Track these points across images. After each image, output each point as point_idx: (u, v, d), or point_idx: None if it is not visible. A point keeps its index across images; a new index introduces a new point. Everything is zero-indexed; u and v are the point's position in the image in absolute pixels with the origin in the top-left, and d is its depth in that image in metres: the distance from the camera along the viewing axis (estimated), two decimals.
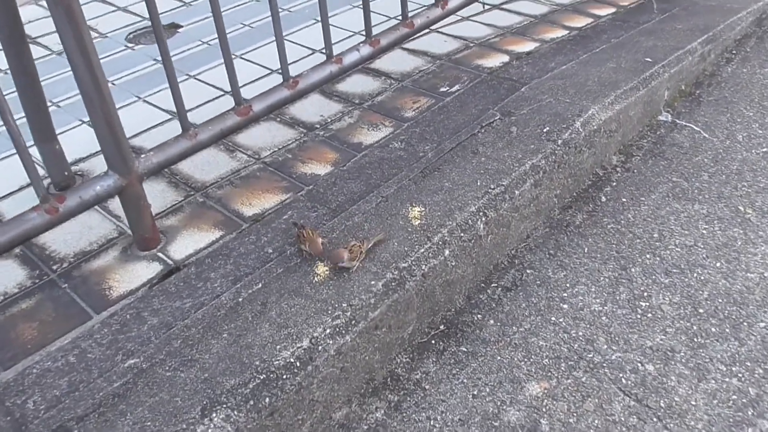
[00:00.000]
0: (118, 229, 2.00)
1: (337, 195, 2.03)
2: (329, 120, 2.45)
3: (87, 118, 2.50)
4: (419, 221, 1.88)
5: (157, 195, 2.11)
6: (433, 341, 1.86)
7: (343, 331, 1.62)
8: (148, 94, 2.69)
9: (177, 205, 2.08)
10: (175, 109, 1.88)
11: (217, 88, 2.70)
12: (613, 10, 3.24)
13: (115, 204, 2.08)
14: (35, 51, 3.09)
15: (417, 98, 2.53)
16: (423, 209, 1.92)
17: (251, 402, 1.46)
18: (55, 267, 1.88)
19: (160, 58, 2.78)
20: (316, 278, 1.73)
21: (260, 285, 1.72)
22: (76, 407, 1.45)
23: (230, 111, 1.98)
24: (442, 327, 1.89)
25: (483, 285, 2.01)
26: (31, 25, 3.37)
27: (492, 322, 1.90)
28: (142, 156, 1.81)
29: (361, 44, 2.26)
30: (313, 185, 2.10)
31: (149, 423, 1.41)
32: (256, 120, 2.05)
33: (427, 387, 1.73)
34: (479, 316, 1.92)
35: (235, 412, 1.44)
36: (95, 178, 1.74)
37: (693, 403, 1.67)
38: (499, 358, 1.79)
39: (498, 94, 2.49)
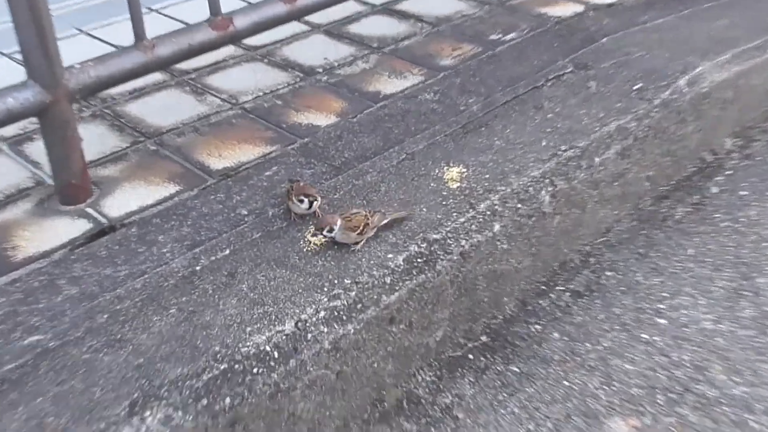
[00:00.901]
0: (35, 177, 1.96)
1: (343, 150, 2.00)
2: (336, 64, 2.46)
3: (7, 50, 2.49)
4: (458, 184, 1.83)
5: (95, 139, 2.08)
6: (470, 356, 1.77)
7: (344, 317, 1.52)
8: (92, 26, 2.72)
9: (120, 152, 2.05)
10: (124, 44, 1.87)
11: (184, 22, 2.68)
12: None
13: (34, 147, 2.05)
14: None
15: (458, 45, 2.55)
16: (464, 170, 1.88)
17: (204, 401, 1.35)
18: None
19: None
20: (308, 246, 1.66)
21: (228, 251, 1.66)
22: None
23: (203, 23, 1.95)
24: (484, 338, 1.81)
25: (544, 287, 1.95)
26: None
27: (556, 335, 1.82)
28: (77, 66, 1.76)
29: None
30: (310, 138, 2.07)
31: (51, 418, 1.30)
32: (236, 40, 2.02)
33: (460, 416, 1.63)
34: (538, 326, 1.84)
35: (179, 413, 1.32)
36: (8, 88, 1.67)
37: None
38: (566, 383, 1.70)
39: (570, 45, 2.50)
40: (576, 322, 1.85)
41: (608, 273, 1.99)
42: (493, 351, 1.78)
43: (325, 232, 1.63)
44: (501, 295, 1.86)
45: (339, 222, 1.63)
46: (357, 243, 1.65)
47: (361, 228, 1.64)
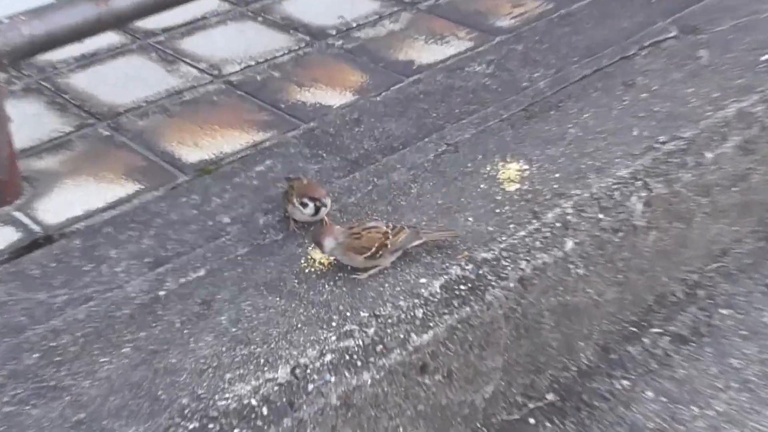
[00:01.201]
0: None
1: (362, 139, 2.02)
2: (354, 24, 2.50)
3: None
4: (518, 186, 1.85)
5: (29, 120, 2.12)
6: (531, 420, 1.78)
7: (358, 363, 1.52)
8: None
9: (61, 138, 2.09)
10: None
11: None
12: None
13: None
14: None
15: (519, 0, 2.58)
16: (526, 167, 1.90)
17: None
18: None
19: None
20: (311, 265, 1.67)
21: (203, 272, 1.67)
22: None
23: None
24: (551, 396, 1.83)
25: (635, 328, 1.96)
26: None
27: (650, 394, 1.82)
28: (4, 21, 1.79)
29: None
30: (318, 122, 2.10)
31: None
32: None
33: None
34: (625, 382, 1.85)
35: None
36: None
37: None
38: None
39: (672, 1, 2.52)
40: (678, 376, 1.86)
41: (724, 311, 2.00)
42: (564, 414, 1.79)
43: (322, 252, 1.64)
44: (575, 337, 1.86)
45: (329, 241, 1.62)
46: (366, 269, 1.64)
47: (372, 250, 1.62)
